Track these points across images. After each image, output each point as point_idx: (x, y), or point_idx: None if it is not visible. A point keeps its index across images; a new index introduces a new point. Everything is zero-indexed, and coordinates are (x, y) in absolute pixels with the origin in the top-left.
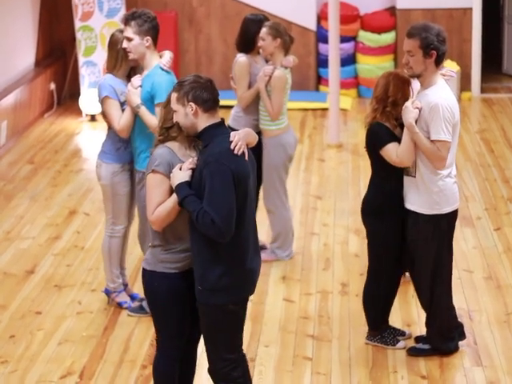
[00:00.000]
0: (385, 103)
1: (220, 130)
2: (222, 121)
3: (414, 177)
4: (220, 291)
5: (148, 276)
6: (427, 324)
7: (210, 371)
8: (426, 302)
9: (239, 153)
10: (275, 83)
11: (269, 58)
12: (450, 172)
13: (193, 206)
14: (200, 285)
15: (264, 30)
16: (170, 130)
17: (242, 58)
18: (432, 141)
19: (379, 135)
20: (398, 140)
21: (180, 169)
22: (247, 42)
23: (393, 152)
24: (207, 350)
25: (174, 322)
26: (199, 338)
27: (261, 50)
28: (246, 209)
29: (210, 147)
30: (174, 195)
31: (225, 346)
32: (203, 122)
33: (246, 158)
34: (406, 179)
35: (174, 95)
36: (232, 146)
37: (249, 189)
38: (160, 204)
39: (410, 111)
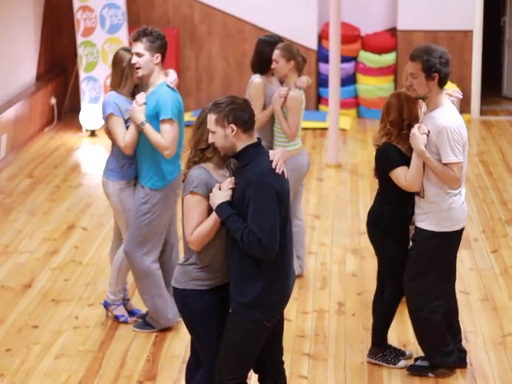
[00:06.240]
0: (400, 126)
1: (259, 150)
2: (259, 140)
3: (423, 197)
4: (258, 307)
5: (180, 294)
6: (418, 340)
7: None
8: (421, 318)
9: (280, 171)
10: (291, 104)
11: (283, 79)
12: (459, 190)
13: (236, 225)
14: (238, 300)
15: (277, 53)
16: (205, 152)
17: (257, 79)
18: (444, 163)
19: (389, 157)
20: (408, 162)
21: (219, 189)
22: (262, 63)
23: (401, 176)
24: (219, 360)
25: (215, 336)
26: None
27: (275, 72)
28: (286, 226)
29: (251, 167)
30: (213, 215)
31: (241, 361)
32: (242, 142)
33: (286, 176)
34: (416, 199)
35: (213, 117)
36: (273, 165)
37: (288, 206)
38: (199, 224)
39: (418, 138)
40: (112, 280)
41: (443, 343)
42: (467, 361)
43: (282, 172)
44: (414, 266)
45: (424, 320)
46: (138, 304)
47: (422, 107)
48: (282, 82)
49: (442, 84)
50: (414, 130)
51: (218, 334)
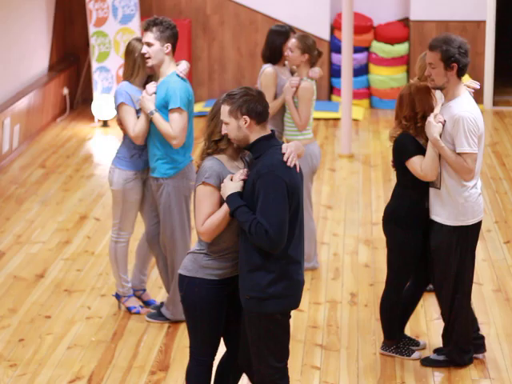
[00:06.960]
0: (415, 120)
1: (271, 142)
2: (273, 133)
3: (439, 188)
4: (268, 300)
5: (187, 283)
6: (444, 335)
7: (257, 381)
8: (446, 313)
9: (291, 165)
10: (302, 94)
11: (294, 69)
12: (475, 183)
13: (245, 216)
14: (248, 294)
15: (293, 42)
16: (219, 143)
17: (268, 68)
18: (458, 153)
19: (406, 146)
20: (425, 152)
21: (231, 179)
22: (272, 53)
23: (417, 165)
24: (254, 359)
25: (210, 330)
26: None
27: (286, 62)
28: (297, 220)
29: (263, 159)
30: (224, 206)
31: (273, 355)
32: (256, 134)
33: (298, 170)
34: (432, 191)
35: (226, 108)
36: (285, 158)
37: (300, 200)
38: (210, 215)
39: (433, 126)
40: (114, 273)
41: (466, 341)
42: (485, 347)
43: (294, 165)
44: (436, 263)
45: (452, 313)
46: (154, 295)
47: (439, 97)
48: (292, 73)
49: (460, 74)
50: (430, 118)
51: (212, 330)
